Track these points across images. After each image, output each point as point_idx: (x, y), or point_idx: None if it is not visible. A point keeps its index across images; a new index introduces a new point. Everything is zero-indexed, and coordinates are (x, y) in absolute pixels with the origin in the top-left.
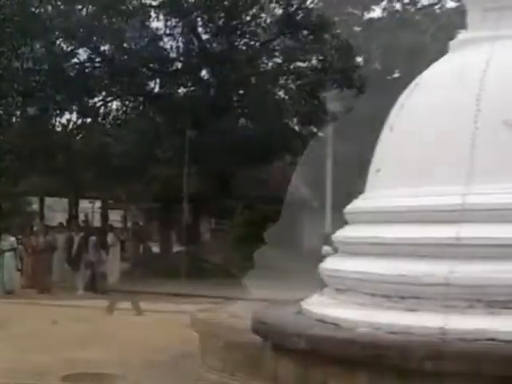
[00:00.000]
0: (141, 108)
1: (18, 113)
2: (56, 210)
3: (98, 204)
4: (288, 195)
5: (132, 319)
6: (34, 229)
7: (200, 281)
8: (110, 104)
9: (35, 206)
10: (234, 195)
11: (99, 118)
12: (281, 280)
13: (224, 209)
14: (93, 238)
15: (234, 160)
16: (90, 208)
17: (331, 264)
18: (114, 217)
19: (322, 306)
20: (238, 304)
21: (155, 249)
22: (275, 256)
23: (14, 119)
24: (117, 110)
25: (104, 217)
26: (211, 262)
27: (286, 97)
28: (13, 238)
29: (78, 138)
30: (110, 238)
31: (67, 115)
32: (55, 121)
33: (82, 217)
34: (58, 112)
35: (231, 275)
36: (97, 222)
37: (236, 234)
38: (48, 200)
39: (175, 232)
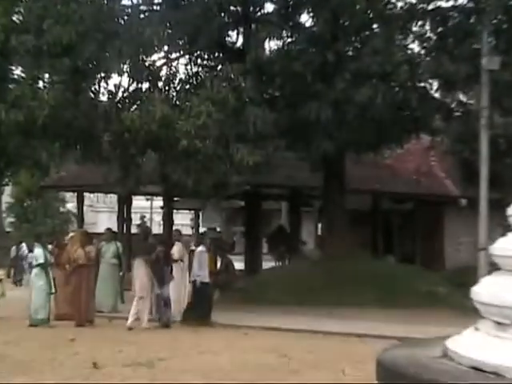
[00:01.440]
0: (218, 69)
1: (47, 75)
2: (99, 210)
3: (158, 202)
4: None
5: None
6: (70, 235)
7: (300, 310)
8: (174, 63)
9: (71, 205)
10: (345, 190)
11: (160, 83)
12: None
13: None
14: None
15: (348, 141)
16: (147, 208)
17: (489, 287)
18: (181, 220)
19: (477, 348)
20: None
21: (238, 264)
22: (403, 274)
23: (40, 83)
24: (185, 71)
25: (167, 220)
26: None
27: (423, 51)
28: (40, 250)
29: (131, 110)
30: (177, 249)
31: (115, 79)
32: (99, 87)
33: (137, 219)
34: (102, 75)
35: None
36: (157, 227)
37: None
38: (88, 197)
39: (268, 242)
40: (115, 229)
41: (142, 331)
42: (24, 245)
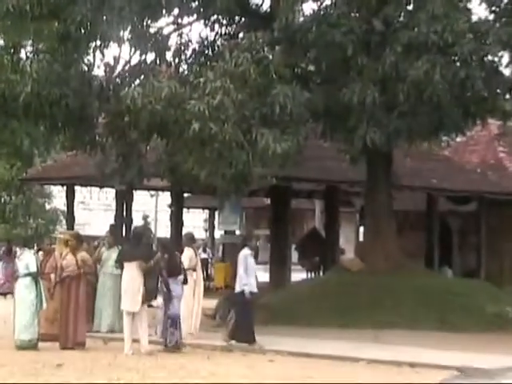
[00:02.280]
0: (239, 37)
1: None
2: (93, 208)
3: (164, 199)
4: None
5: None
6: (58, 238)
7: (337, 332)
8: (186, 30)
9: (58, 202)
10: (394, 187)
11: (168, 54)
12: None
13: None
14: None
15: (398, 128)
16: (151, 204)
17: None
18: (192, 221)
19: None
20: None
21: (262, 275)
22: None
23: (22, 53)
24: (199, 40)
25: (176, 221)
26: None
27: (491, 16)
28: (31, 256)
29: (132, 86)
30: (188, 256)
31: (113, 48)
32: (93, 58)
33: (139, 220)
34: (97, 43)
35: None
36: (163, 229)
37: None
38: (80, 192)
39: (298, 248)
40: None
41: (145, 356)
42: None
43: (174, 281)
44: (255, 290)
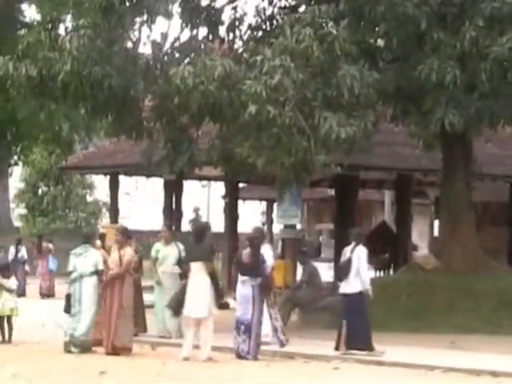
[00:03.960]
0: (301, 10)
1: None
2: (139, 199)
3: (218, 190)
4: None
5: None
6: (101, 233)
7: (409, 337)
8: (241, 2)
9: (101, 193)
10: (473, 175)
11: (221, 30)
12: None
13: None
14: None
15: (480, 110)
16: (202, 195)
17: None
18: (248, 213)
19: None
20: None
21: (326, 274)
22: None
23: (61, 28)
24: (255, 13)
25: (230, 213)
26: None
27: None
28: (97, 253)
29: (182, 65)
30: (269, 253)
31: (162, 23)
32: (139, 34)
33: (189, 212)
34: (144, 18)
35: None
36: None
37: None
38: (125, 182)
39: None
40: (159, 225)
41: (200, 364)
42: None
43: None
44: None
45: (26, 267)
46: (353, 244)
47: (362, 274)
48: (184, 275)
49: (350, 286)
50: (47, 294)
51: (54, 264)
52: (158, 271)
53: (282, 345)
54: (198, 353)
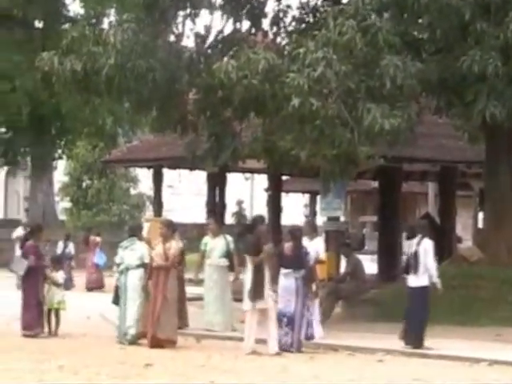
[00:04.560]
0: (344, 2)
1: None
2: (182, 192)
3: (261, 182)
4: None
5: None
6: (147, 226)
7: (454, 329)
8: None
9: (145, 186)
10: None
11: (265, 23)
12: None
13: None
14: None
15: None
16: (246, 188)
17: None
18: (292, 206)
19: None
20: None
21: (369, 266)
22: None
23: (105, 23)
24: (299, 6)
25: (274, 206)
26: None
27: None
28: (144, 246)
29: (225, 58)
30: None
31: (205, 17)
32: (183, 27)
33: (233, 205)
34: (187, 11)
35: None
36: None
37: None
38: (168, 175)
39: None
40: (203, 217)
41: (244, 356)
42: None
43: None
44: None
45: (73, 262)
46: (419, 237)
47: (429, 268)
48: (231, 268)
49: (416, 280)
50: (94, 286)
51: (102, 257)
52: (203, 265)
53: (309, 338)
54: (265, 346)
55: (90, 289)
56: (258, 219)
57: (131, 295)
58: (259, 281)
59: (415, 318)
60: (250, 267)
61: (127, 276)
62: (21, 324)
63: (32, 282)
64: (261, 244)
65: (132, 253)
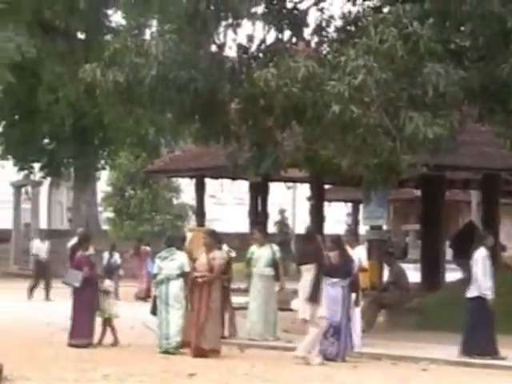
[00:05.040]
0: (385, 10)
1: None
2: (224, 202)
3: (303, 191)
4: None
5: None
6: (189, 236)
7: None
8: (326, 4)
9: (187, 196)
10: None
11: (306, 31)
12: None
13: None
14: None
15: None
16: (288, 197)
17: None
18: (334, 215)
19: None
20: None
21: (412, 275)
22: None
23: (147, 33)
24: (342, 15)
25: (316, 215)
26: None
27: None
28: (184, 255)
29: (266, 68)
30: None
31: (247, 26)
32: (225, 37)
33: (275, 215)
34: (229, 21)
35: None
36: (301, 224)
37: None
38: (211, 184)
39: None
40: (246, 227)
41: (288, 365)
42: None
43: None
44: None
45: (121, 272)
46: (477, 247)
47: (477, 278)
48: (277, 277)
49: (469, 291)
50: (143, 296)
51: (152, 267)
52: (250, 273)
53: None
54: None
55: (141, 298)
56: (313, 229)
57: (173, 304)
58: (319, 289)
59: (472, 328)
60: (308, 276)
61: (168, 286)
62: (71, 334)
63: (85, 293)
64: (322, 253)
65: (172, 263)
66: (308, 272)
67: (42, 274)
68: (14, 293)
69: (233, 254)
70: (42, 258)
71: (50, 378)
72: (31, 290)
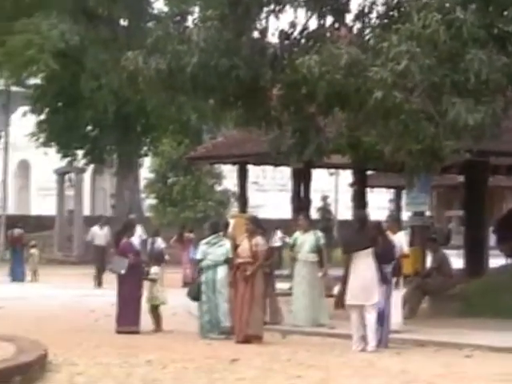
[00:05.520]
0: None
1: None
2: (267, 188)
3: (345, 178)
4: None
5: None
6: (232, 222)
7: None
8: None
9: (229, 183)
10: None
11: (348, 18)
12: None
13: None
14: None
15: None
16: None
17: None
18: (376, 201)
19: None
20: None
21: (456, 261)
22: None
23: (189, 20)
24: (385, 1)
25: (359, 201)
26: None
27: None
28: (226, 242)
29: (308, 54)
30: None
31: (288, 13)
32: (267, 24)
33: (317, 201)
34: (272, 7)
35: None
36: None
37: None
38: (253, 171)
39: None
40: (288, 213)
41: (327, 353)
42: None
43: (387, 267)
44: None
45: (166, 257)
46: None
47: None
48: (321, 263)
49: None
50: (189, 282)
51: (194, 253)
52: (293, 259)
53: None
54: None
55: (186, 284)
56: (365, 214)
57: (220, 290)
58: (372, 276)
59: None
60: (363, 262)
61: (216, 272)
62: (118, 321)
63: (131, 280)
64: (378, 238)
65: (219, 249)
66: (362, 258)
67: (99, 260)
68: (59, 280)
69: (288, 240)
70: (100, 245)
71: (93, 362)
72: (98, 277)
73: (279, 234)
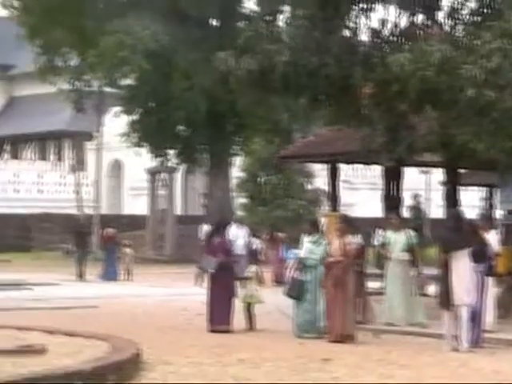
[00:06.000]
0: None
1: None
2: (358, 187)
3: (437, 176)
4: None
5: None
6: (323, 220)
7: None
8: None
9: (320, 181)
10: None
11: (440, 15)
12: None
13: None
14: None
15: None
16: (422, 181)
17: None
18: (468, 200)
19: None
20: None
21: None
22: None
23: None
24: None
25: (450, 200)
26: None
27: None
28: (324, 240)
29: (400, 52)
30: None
31: (379, 11)
32: (357, 22)
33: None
34: (362, 6)
35: None
36: (435, 209)
37: None
38: (344, 170)
39: None
40: (379, 211)
41: (421, 352)
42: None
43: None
44: None
45: (262, 256)
46: None
47: None
48: (413, 262)
49: None
50: (280, 281)
51: (285, 253)
52: (386, 258)
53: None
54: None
55: (278, 283)
56: (461, 213)
57: (320, 289)
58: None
59: None
60: (461, 262)
61: (317, 271)
62: (209, 320)
63: (221, 279)
64: (473, 237)
65: (320, 248)
66: (461, 258)
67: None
68: (152, 279)
69: (359, 240)
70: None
71: (186, 361)
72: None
73: (380, 232)
